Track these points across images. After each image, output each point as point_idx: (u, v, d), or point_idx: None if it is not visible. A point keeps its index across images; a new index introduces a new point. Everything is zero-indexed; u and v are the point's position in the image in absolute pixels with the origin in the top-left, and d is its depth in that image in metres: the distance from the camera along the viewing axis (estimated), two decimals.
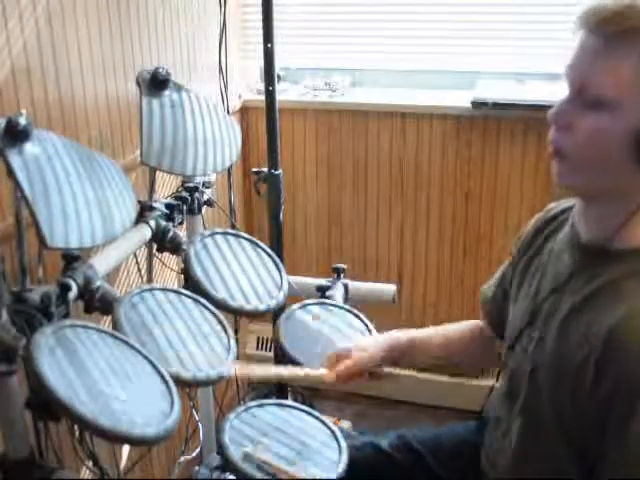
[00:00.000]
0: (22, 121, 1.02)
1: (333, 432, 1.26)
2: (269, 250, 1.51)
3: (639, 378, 0.88)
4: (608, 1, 0.90)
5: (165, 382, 1.07)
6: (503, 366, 1.20)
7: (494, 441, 1.21)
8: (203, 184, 1.63)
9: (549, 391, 1.03)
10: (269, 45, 1.74)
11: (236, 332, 1.70)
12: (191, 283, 1.35)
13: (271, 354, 2.47)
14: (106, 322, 1.29)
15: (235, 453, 1.15)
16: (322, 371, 1.26)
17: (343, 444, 1.23)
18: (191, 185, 1.60)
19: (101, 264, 1.23)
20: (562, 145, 0.97)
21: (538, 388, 1.05)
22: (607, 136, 0.91)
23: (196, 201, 1.61)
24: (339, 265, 1.75)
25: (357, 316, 1.50)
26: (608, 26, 0.89)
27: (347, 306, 1.55)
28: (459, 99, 2.32)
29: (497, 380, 1.26)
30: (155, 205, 1.45)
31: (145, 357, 1.09)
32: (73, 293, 1.13)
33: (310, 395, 2.44)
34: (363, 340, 1.39)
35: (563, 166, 0.98)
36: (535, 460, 1.08)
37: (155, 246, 1.48)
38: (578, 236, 1.03)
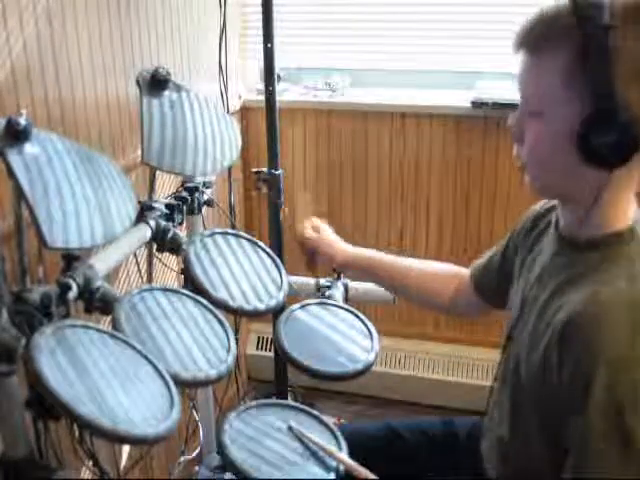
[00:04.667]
0: (22, 121, 1.02)
1: (333, 432, 1.26)
2: (269, 250, 1.51)
3: (589, 370, 0.90)
4: (527, 21, 0.99)
5: (165, 382, 1.07)
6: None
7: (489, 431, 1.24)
8: (203, 184, 1.63)
9: (526, 378, 1.06)
10: (269, 45, 1.74)
11: (236, 332, 1.70)
12: (191, 283, 1.34)
13: (271, 354, 2.47)
14: (106, 322, 1.29)
15: (237, 452, 1.15)
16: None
17: (343, 444, 1.23)
18: (191, 185, 1.60)
19: (101, 264, 1.23)
20: (521, 157, 1.06)
21: (520, 378, 1.09)
22: (548, 141, 0.99)
23: (196, 201, 1.61)
24: None
25: (357, 316, 1.50)
26: (528, 42, 0.99)
27: (347, 306, 1.55)
28: (459, 99, 2.33)
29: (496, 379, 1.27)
30: (155, 205, 1.45)
31: (145, 357, 1.09)
32: (73, 293, 1.13)
33: (310, 395, 2.45)
34: (333, 242, 1.60)
35: (527, 175, 1.06)
36: (520, 451, 1.11)
37: (155, 246, 1.48)
38: (559, 230, 1.10)
